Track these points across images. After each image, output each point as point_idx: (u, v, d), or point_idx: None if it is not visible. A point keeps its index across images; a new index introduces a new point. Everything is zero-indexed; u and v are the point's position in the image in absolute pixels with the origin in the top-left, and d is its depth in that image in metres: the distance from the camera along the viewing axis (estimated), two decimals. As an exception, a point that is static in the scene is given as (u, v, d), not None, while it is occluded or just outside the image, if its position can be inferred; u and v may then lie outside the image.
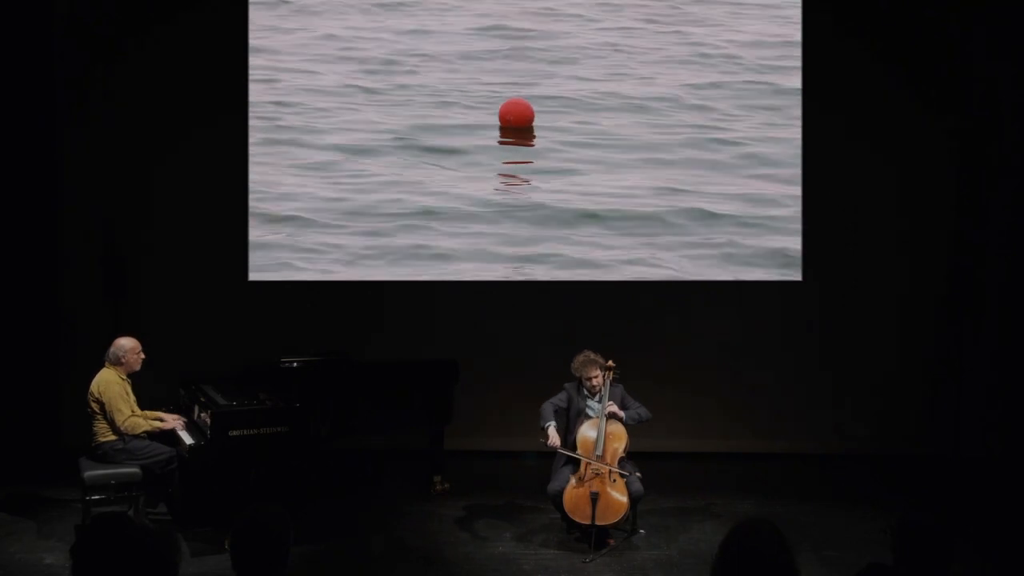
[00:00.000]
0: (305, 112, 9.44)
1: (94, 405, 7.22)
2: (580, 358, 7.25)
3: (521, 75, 9.49)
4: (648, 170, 9.26)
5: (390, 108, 9.42)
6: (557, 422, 7.23)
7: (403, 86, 9.52)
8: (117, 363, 7.30)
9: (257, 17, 9.38)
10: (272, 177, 9.21)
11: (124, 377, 7.30)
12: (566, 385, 7.37)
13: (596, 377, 7.20)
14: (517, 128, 9.29)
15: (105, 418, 7.19)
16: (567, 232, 9.11)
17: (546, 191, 9.22)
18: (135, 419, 7.21)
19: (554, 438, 7.07)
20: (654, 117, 9.41)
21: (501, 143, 9.29)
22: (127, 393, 7.28)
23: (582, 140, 9.34)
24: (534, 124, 9.29)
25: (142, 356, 7.39)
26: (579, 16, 9.70)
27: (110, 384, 7.21)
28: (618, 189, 9.21)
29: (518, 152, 9.32)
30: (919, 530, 3.67)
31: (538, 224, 9.12)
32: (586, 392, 7.28)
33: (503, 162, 9.30)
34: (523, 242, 9.05)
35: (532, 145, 9.29)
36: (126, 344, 7.35)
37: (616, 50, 9.64)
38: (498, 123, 9.31)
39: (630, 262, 9.06)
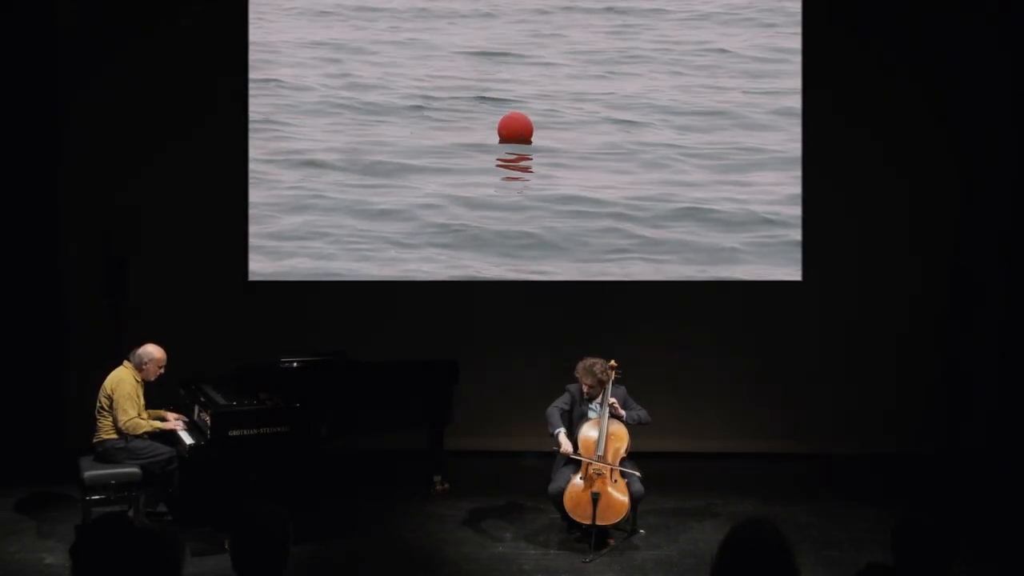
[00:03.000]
0: (306, 114, 9.45)
1: (104, 400, 7.23)
2: (584, 364, 7.21)
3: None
4: (648, 171, 9.27)
5: (389, 115, 9.45)
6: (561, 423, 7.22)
7: (403, 91, 9.55)
8: (138, 367, 7.32)
9: (257, 17, 9.39)
10: (272, 177, 9.24)
11: (139, 380, 7.32)
12: (569, 387, 7.35)
13: (591, 389, 7.20)
14: (516, 142, 9.29)
15: (111, 415, 7.20)
16: (566, 233, 9.13)
17: (545, 193, 9.25)
18: (137, 420, 7.22)
19: (566, 445, 7.04)
20: (653, 119, 9.42)
21: (499, 164, 9.30)
22: (138, 396, 7.29)
23: (579, 140, 9.36)
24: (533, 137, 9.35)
25: (162, 371, 7.42)
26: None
27: (123, 383, 7.23)
28: (617, 190, 9.22)
29: (517, 153, 9.34)
30: (919, 530, 3.66)
31: (538, 225, 9.15)
32: (586, 396, 7.28)
33: (500, 162, 9.31)
34: (523, 242, 9.07)
35: (529, 165, 9.31)
36: (154, 354, 7.37)
37: (611, 52, 9.63)
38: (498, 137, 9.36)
39: (630, 263, 9.08)
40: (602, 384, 7.18)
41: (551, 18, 9.62)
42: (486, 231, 9.14)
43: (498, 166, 9.28)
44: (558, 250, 9.10)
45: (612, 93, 9.50)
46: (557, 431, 7.11)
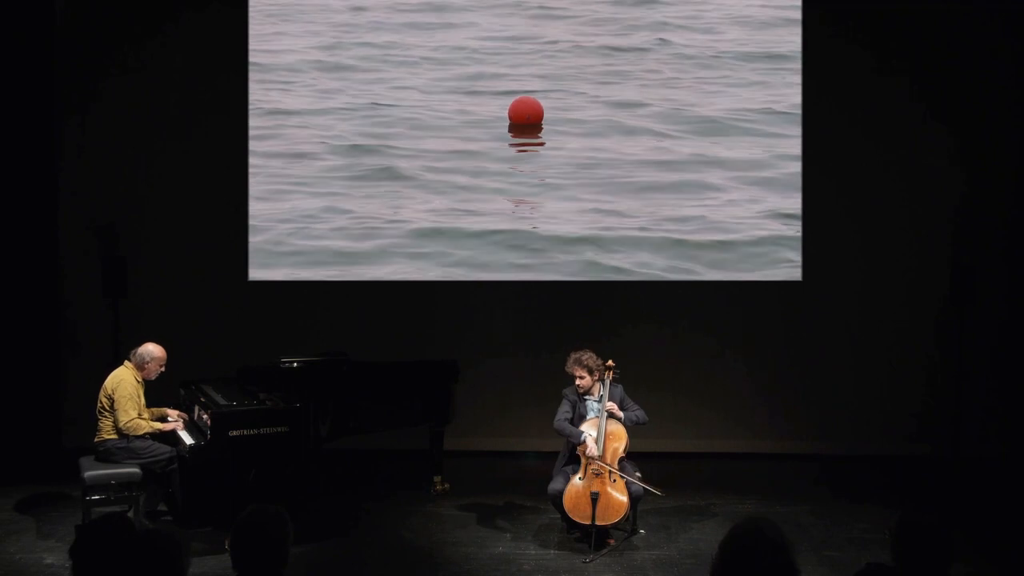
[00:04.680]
0: (308, 114, 9.45)
1: (104, 401, 7.23)
2: (572, 357, 7.21)
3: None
4: (646, 171, 9.27)
5: (392, 115, 9.45)
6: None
7: (404, 88, 9.56)
8: (140, 366, 7.33)
9: (257, 17, 9.39)
10: (272, 178, 9.25)
11: (140, 380, 7.33)
12: (565, 391, 7.32)
13: (582, 379, 7.18)
14: (526, 126, 9.31)
15: (112, 415, 7.21)
16: (567, 235, 9.13)
17: (546, 195, 9.25)
18: (138, 421, 7.21)
19: (592, 447, 6.94)
20: (653, 121, 9.43)
21: (513, 145, 9.32)
22: (139, 396, 7.29)
23: (578, 141, 9.37)
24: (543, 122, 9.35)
25: (163, 370, 7.43)
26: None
27: (124, 383, 7.23)
28: (616, 191, 9.22)
29: (526, 156, 9.36)
30: (919, 530, 3.66)
31: (539, 226, 9.15)
32: (580, 391, 7.26)
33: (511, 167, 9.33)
34: (525, 244, 9.07)
35: (540, 142, 9.32)
36: (155, 353, 7.37)
37: (609, 57, 9.63)
38: (508, 121, 9.36)
39: (630, 262, 9.07)
40: (592, 373, 7.16)
41: (551, 20, 9.64)
42: (487, 231, 9.13)
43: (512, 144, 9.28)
44: (558, 251, 9.09)
45: (612, 95, 9.50)
46: (583, 436, 7.00)
